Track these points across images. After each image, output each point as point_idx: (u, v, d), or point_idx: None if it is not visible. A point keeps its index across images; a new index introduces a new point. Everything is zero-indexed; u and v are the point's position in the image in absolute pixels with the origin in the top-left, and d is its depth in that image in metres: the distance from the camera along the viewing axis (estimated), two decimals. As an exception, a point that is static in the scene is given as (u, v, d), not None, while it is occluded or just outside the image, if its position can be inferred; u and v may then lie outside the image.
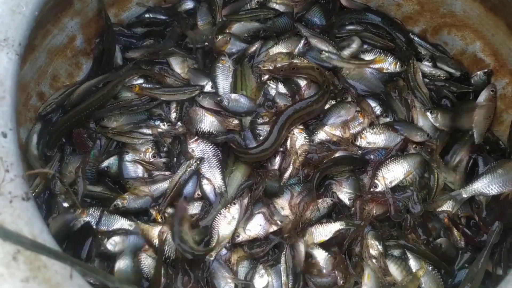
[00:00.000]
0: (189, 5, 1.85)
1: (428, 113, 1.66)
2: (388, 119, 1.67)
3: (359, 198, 1.52)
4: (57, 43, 1.57)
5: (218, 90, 1.69)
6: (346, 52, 1.74)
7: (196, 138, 1.57)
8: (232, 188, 1.52)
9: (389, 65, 1.74)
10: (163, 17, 1.81)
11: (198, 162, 1.53)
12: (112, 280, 0.78)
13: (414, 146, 1.62)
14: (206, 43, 1.74)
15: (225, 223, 1.47)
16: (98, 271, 0.85)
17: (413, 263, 1.44)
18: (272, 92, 1.70)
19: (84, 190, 1.50)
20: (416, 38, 1.85)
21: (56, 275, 0.78)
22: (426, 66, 1.78)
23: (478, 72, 1.72)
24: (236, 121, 1.61)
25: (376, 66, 1.72)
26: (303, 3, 1.84)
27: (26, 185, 0.88)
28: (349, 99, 1.68)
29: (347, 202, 1.52)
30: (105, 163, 1.58)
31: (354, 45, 1.76)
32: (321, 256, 1.42)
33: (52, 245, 0.83)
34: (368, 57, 1.76)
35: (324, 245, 1.44)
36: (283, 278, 1.39)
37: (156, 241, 1.45)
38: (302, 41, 1.75)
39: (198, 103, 1.64)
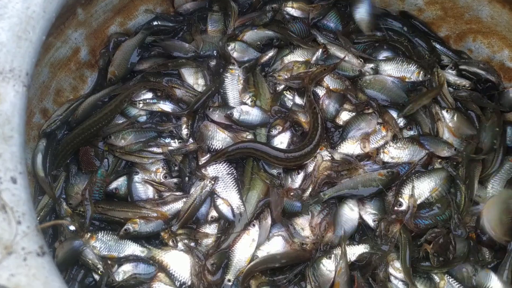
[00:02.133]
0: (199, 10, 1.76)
1: (444, 112, 1.59)
2: (412, 132, 1.61)
3: (384, 219, 1.44)
4: (60, 56, 1.50)
5: (228, 102, 1.61)
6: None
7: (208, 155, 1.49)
8: (250, 207, 1.46)
9: (411, 74, 1.65)
10: (172, 24, 1.72)
11: (213, 182, 1.45)
12: None
13: (439, 161, 1.56)
14: (215, 51, 1.67)
15: (245, 246, 1.42)
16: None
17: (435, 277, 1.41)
18: (289, 103, 1.62)
19: (92, 213, 1.43)
20: (438, 46, 1.75)
21: None
22: (450, 75, 1.69)
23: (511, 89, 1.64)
24: (250, 136, 1.54)
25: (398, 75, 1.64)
26: (319, 8, 1.75)
27: (40, 238, 0.79)
28: (370, 110, 1.60)
29: (371, 223, 1.47)
30: (113, 184, 1.53)
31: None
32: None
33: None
34: (389, 65, 1.66)
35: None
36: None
37: (170, 267, 1.38)
38: (320, 50, 1.66)
39: (209, 117, 1.56)
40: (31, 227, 0.78)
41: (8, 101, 0.86)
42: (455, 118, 1.57)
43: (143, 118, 1.57)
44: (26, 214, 0.79)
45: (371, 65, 1.68)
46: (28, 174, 1.35)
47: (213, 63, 1.67)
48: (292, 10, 1.77)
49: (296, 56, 1.69)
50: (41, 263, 0.76)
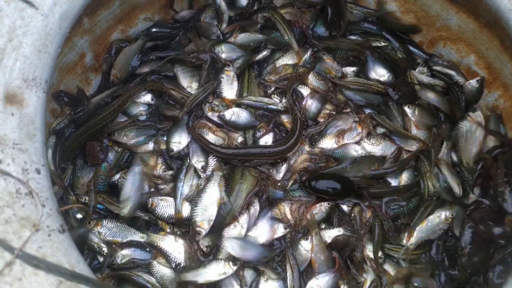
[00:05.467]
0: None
1: (406, 108, 1.73)
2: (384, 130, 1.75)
3: (358, 205, 1.61)
4: (68, 61, 1.62)
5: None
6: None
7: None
8: (241, 199, 1.58)
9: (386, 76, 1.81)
10: (169, 31, 1.86)
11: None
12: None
13: (408, 155, 1.70)
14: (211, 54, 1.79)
15: (235, 231, 1.55)
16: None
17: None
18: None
19: (96, 203, 1.57)
20: (412, 48, 1.91)
21: (95, 304, 0.87)
22: (423, 75, 1.83)
23: (471, 81, 1.79)
24: (240, 138, 1.68)
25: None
26: (307, 13, 1.88)
27: (60, 218, 0.96)
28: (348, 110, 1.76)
29: (345, 209, 1.62)
30: (117, 176, 1.64)
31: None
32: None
33: (89, 274, 0.91)
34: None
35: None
36: (289, 282, 1.48)
37: (167, 250, 1.53)
38: (309, 52, 1.80)
39: (205, 114, 1.70)
40: (53, 209, 0.95)
41: (32, 105, 1.03)
42: (416, 112, 1.72)
43: (143, 117, 1.70)
44: (48, 198, 0.96)
45: (353, 68, 1.84)
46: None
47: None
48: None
49: (286, 60, 1.81)
50: (62, 238, 0.93)
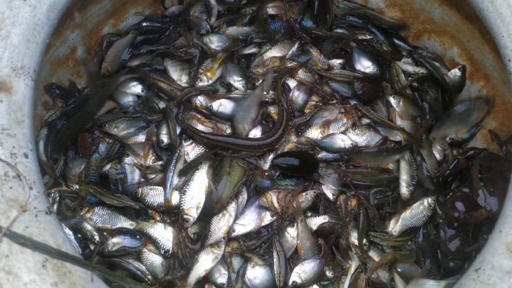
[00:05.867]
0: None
1: (390, 98, 1.76)
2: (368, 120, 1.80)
3: (343, 194, 1.66)
4: (60, 55, 1.66)
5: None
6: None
7: (190, 142, 1.68)
8: (229, 189, 1.61)
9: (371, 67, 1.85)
10: (159, 25, 1.89)
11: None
12: (127, 282, 0.91)
13: (393, 145, 1.75)
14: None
15: (224, 221, 1.59)
16: (114, 274, 0.98)
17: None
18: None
19: (86, 193, 1.61)
20: (396, 41, 1.95)
21: (80, 279, 0.91)
22: (407, 65, 1.87)
23: (453, 70, 1.83)
24: (229, 130, 1.72)
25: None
26: (295, 7, 1.91)
27: (47, 200, 1.00)
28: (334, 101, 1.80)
29: (331, 197, 1.66)
30: (107, 167, 1.68)
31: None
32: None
33: (74, 253, 0.95)
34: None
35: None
36: (275, 268, 1.53)
37: (156, 238, 1.57)
38: (296, 45, 1.84)
39: (194, 104, 1.74)
40: (40, 192, 0.99)
41: (20, 92, 1.06)
42: (401, 103, 1.75)
43: (130, 108, 1.75)
44: (36, 182, 1.00)
45: (340, 61, 1.88)
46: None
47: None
48: (269, 9, 1.95)
49: (274, 52, 1.83)
50: (49, 219, 0.97)
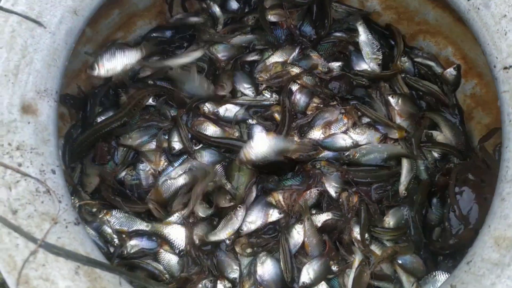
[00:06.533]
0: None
1: (389, 98, 1.83)
2: (368, 119, 1.88)
3: (345, 191, 1.75)
4: (73, 68, 1.75)
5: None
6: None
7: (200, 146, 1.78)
8: (241, 191, 1.71)
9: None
10: (169, 34, 1.99)
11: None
12: (152, 284, 1.01)
13: (392, 143, 1.83)
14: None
15: (231, 221, 1.68)
16: (140, 277, 1.09)
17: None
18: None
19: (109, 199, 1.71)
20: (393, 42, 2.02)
21: (109, 284, 1.01)
22: (408, 64, 1.95)
23: (448, 69, 1.92)
24: (237, 133, 1.82)
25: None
26: (295, 13, 1.99)
27: (75, 212, 1.10)
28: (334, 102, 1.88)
29: (333, 194, 1.74)
30: (123, 173, 1.78)
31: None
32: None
33: (102, 260, 1.06)
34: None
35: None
36: (282, 264, 1.62)
37: (170, 238, 1.67)
38: (297, 50, 1.93)
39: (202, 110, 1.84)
40: (69, 205, 1.10)
41: (45, 113, 1.17)
42: (399, 102, 1.82)
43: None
44: (64, 195, 1.11)
45: (338, 63, 1.97)
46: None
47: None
48: (270, 17, 2.04)
49: (276, 58, 1.91)
50: (78, 229, 1.08)
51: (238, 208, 1.65)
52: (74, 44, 1.31)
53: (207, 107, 1.83)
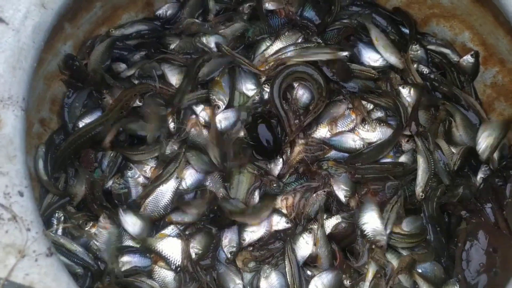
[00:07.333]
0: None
1: (400, 88, 1.68)
2: (379, 114, 1.72)
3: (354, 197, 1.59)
4: (53, 68, 1.59)
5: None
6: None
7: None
8: (241, 195, 1.58)
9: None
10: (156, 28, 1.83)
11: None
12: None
13: (406, 140, 1.66)
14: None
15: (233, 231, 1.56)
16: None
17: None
18: (267, 95, 1.73)
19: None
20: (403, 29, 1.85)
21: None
22: (420, 52, 1.79)
23: (465, 57, 1.76)
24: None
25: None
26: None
27: (47, 240, 0.94)
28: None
29: (343, 199, 1.58)
30: (110, 182, 1.63)
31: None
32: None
33: (80, 296, 0.90)
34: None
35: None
36: (289, 278, 1.47)
37: (165, 253, 1.52)
38: (300, 39, 1.76)
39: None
40: (39, 232, 0.94)
41: (9, 124, 1.00)
42: (411, 93, 1.67)
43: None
44: (34, 221, 0.94)
45: (345, 53, 1.79)
46: (32, 180, 1.47)
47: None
48: (268, 4, 1.87)
49: (276, 47, 1.75)
50: (50, 262, 0.92)
51: None
52: (43, 42, 1.14)
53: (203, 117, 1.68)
